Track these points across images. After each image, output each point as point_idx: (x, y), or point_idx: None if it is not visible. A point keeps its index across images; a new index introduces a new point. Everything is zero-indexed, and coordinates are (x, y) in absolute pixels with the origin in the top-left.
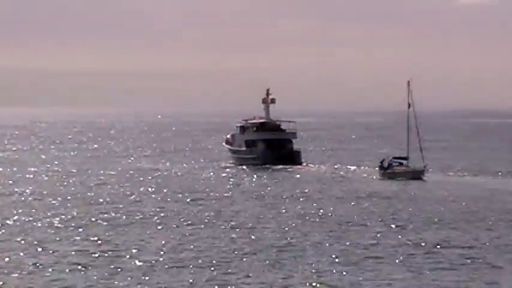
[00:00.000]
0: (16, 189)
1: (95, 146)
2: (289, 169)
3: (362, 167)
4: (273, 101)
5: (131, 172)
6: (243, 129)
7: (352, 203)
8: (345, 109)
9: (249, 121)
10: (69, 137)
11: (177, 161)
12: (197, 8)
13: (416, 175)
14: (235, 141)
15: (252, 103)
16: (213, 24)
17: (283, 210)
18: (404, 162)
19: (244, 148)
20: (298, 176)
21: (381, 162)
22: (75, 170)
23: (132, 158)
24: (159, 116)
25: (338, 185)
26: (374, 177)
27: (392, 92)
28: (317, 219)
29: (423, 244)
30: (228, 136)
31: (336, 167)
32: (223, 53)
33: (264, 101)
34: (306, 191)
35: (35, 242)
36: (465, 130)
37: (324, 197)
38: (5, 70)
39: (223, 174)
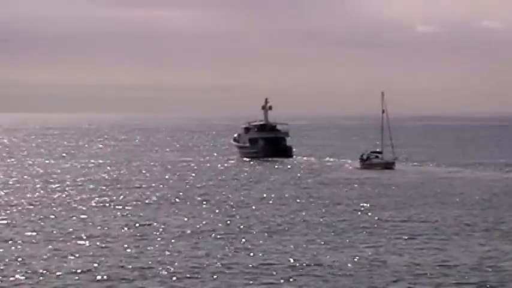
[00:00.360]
0: (69, 176)
1: (132, 142)
2: (284, 161)
3: (346, 159)
4: (270, 107)
5: (160, 163)
6: (247, 129)
7: (336, 188)
8: (332, 114)
9: (252, 123)
10: (111, 136)
11: (195, 154)
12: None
13: (388, 165)
14: (241, 139)
15: (251, 110)
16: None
17: (279, 193)
18: (379, 155)
19: (248, 144)
20: (290, 166)
21: (361, 155)
22: (116, 161)
23: (160, 152)
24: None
25: (325, 173)
26: (352, 167)
27: (371, 100)
28: (306, 200)
29: (389, 219)
30: (235, 135)
31: (323, 159)
32: (226, 70)
33: (263, 108)
34: (297, 177)
35: (85, 217)
36: (424, 131)
37: (312, 183)
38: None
39: (232, 165)
